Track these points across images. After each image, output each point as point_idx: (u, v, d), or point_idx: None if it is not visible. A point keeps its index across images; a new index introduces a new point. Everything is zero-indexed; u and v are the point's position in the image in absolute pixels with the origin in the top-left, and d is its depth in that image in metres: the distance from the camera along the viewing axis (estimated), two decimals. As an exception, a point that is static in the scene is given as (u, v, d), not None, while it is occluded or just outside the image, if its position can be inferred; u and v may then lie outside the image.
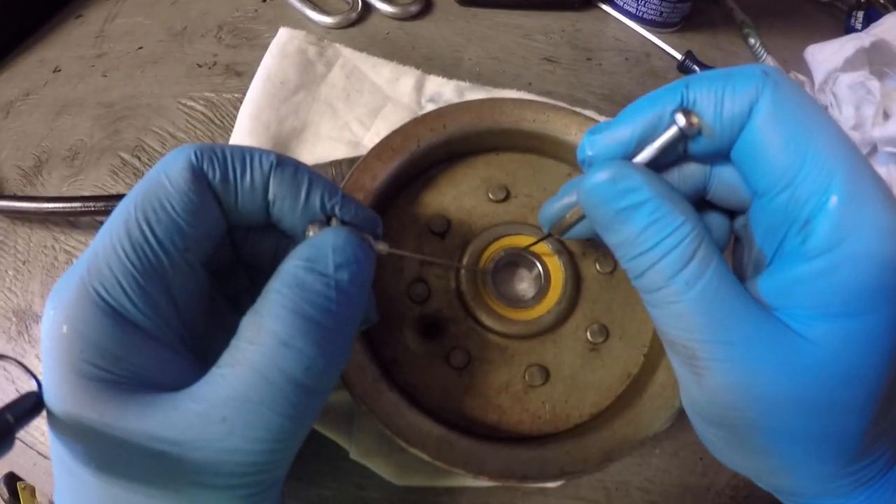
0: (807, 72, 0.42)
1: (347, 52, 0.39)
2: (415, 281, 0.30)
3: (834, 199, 0.18)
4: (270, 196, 0.22)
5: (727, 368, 0.19)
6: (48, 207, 0.37)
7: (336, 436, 0.31)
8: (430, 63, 0.40)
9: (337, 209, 0.22)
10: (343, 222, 0.22)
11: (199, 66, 0.43)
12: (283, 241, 0.24)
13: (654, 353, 0.29)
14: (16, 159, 0.42)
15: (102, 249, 0.19)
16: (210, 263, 0.23)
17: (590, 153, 0.22)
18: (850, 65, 0.40)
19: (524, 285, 0.32)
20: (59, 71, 0.45)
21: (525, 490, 0.32)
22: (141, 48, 0.44)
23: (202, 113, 0.41)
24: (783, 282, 0.20)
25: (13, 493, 0.42)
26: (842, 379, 0.19)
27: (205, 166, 0.21)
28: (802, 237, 0.19)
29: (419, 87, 0.38)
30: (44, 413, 0.19)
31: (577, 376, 0.29)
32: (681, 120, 0.20)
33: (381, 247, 0.23)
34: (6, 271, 0.38)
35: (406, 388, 0.28)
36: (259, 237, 0.24)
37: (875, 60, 0.40)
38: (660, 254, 0.19)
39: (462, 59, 0.41)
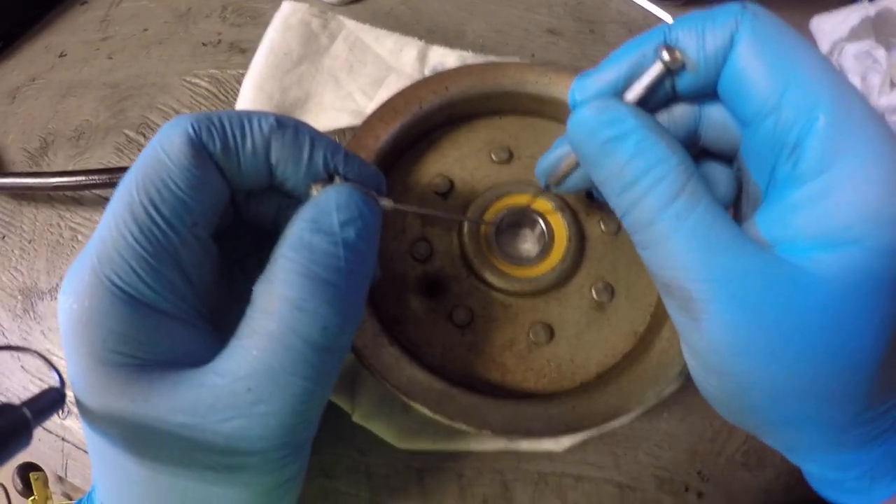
0: (812, 43, 0.42)
1: (351, 24, 0.39)
2: (417, 240, 0.30)
3: (822, 119, 0.18)
4: (273, 159, 0.21)
5: (725, 309, 0.18)
6: (52, 182, 0.37)
7: (338, 399, 0.31)
8: (433, 36, 0.40)
9: (340, 167, 0.22)
10: (346, 179, 0.22)
11: (204, 44, 0.43)
12: (285, 201, 0.24)
13: (661, 313, 0.29)
14: (22, 142, 0.42)
15: (110, 236, 0.19)
16: (215, 231, 0.22)
17: (578, 97, 0.22)
18: (855, 35, 0.39)
19: (528, 245, 0.32)
20: (65, 55, 0.45)
21: (530, 455, 0.32)
22: (146, 30, 0.45)
23: (206, 89, 0.41)
24: (779, 212, 0.19)
25: (26, 484, 0.42)
26: (850, 312, 0.18)
27: (204, 137, 0.20)
28: (793, 161, 0.19)
29: (422, 58, 0.38)
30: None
31: (582, 335, 0.29)
32: (664, 55, 0.20)
33: (386, 202, 0.23)
34: (12, 251, 0.39)
35: (408, 347, 0.28)
36: (261, 199, 0.24)
37: (882, 31, 0.39)
38: (647, 186, 0.19)
39: (465, 32, 0.42)
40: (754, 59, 0.19)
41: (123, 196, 0.19)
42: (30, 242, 0.39)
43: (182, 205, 0.20)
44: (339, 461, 0.31)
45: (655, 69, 0.20)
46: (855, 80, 0.39)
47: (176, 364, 0.19)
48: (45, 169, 0.40)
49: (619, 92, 0.21)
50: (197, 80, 0.42)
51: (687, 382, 0.33)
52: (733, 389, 0.20)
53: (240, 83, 0.40)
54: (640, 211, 0.20)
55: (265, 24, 0.41)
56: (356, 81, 0.37)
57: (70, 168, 0.40)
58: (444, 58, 0.38)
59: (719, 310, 0.19)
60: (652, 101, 0.22)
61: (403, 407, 0.31)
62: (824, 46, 0.40)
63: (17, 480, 0.43)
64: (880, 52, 0.37)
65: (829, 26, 0.40)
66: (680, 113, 0.23)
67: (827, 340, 0.18)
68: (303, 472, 0.22)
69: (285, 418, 0.19)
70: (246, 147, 0.21)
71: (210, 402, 0.18)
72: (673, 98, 0.22)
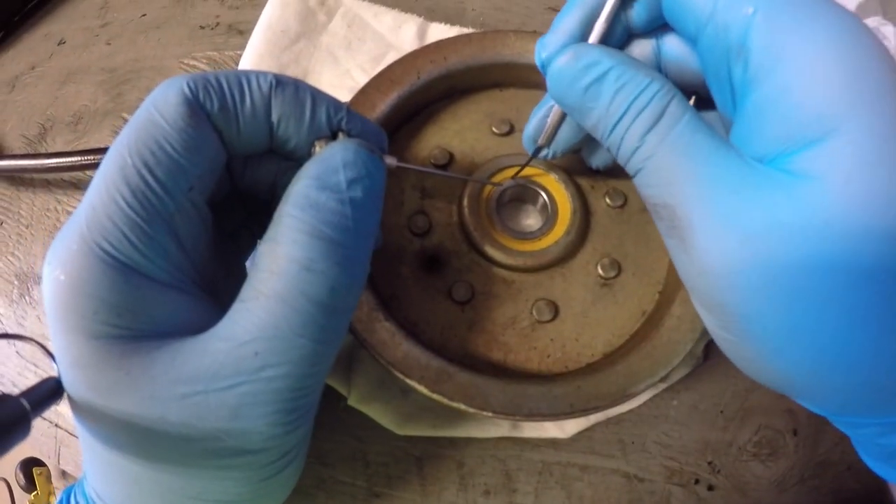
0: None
1: (348, 1, 0.38)
2: (415, 213, 0.29)
3: (757, 12, 0.17)
4: (274, 117, 0.20)
5: (710, 225, 0.17)
6: (49, 164, 0.36)
7: (333, 381, 0.29)
8: (433, 14, 0.40)
9: (344, 123, 0.21)
10: (350, 136, 0.21)
11: (202, 27, 0.43)
12: (283, 165, 0.23)
13: (670, 290, 0.28)
14: (21, 129, 0.42)
15: (100, 201, 0.18)
16: (210, 200, 0.22)
17: (544, 55, 0.22)
18: (862, 11, 0.38)
19: (530, 220, 0.30)
20: (64, 43, 0.45)
21: (534, 442, 0.30)
22: (144, 15, 0.45)
23: (204, 71, 0.41)
24: (747, 123, 0.18)
25: (29, 479, 0.41)
26: (853, 212, 0.15)
27: (201, 97, 0.19)
28: (743, 63, 0.18)
29: (421, 35, 0.37)
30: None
31: (588, 312, 0.28)
32: None
33: (390, 160, 0.22)
34: (9, 236, 0.38)
35: (406, 325, 0.27)
36: (259, 165, 0.23)
37: (890, 7, 0.38)
38: (633, 115, 0.19)
39: (465, 9, 0.41)
40: None
41: (115, 159, 0.18)
42: (27, 227, 0.38)
43: (178, 167, 0.18)
44: (336, 448, 0.30)
45: (610, 3, 0.21)
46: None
47: (174, 335, 0.18)
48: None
49: (580, 36, 0.22)
50: (195, 63, 0.41)
51: (696, 369, 0.32)
52: (734, 327, 0.18)
53: (237, 64, 0.39)
54: (629, 139, 0.19)
55: (263, 6, 0.40)
56: (355, 59, 0.37)
57: (68, 151, 0.40)
58: (444, 34, 0.37)
59: (703, 226, 0.17)
60: (612, 41, 0.22)
61: (402, 391, 0.30)
62: (832, 23, 0.39)
63: (20, 475, 0.43)
64: (889, 29, 0.36)
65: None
66: (639, 49, 0.23)
67: (833, 254, 0.16)
68: (307, 437, 0.21)
69: (295, 381, 0.18)
70: (245, 106, 0.20)
71: (214, 370, 0.17)
72: (631, 35, 0.23)
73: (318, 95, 0.21)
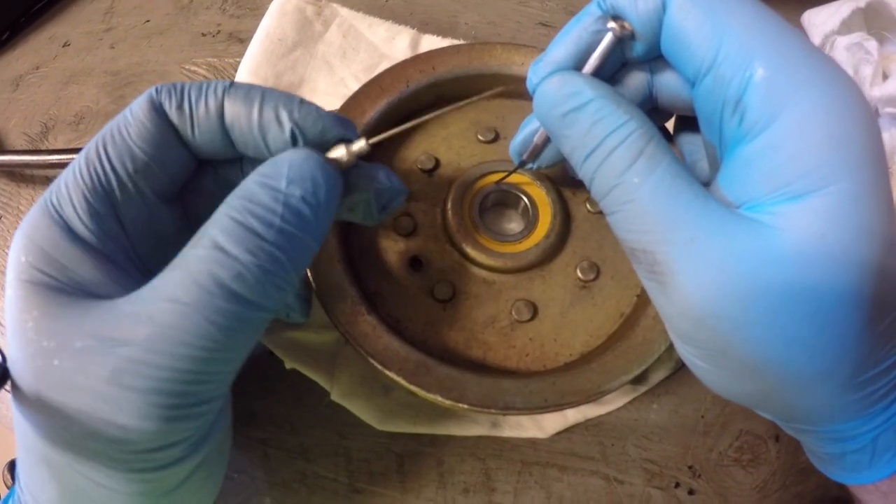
0: (805, 37, 0.42)
1: (344, 12, 0.40)
2: (401, 215, 0.30)
3: (759, 71, 0.18)
4: (227, 119, 0.21)
5: (690, 270, 0.18)
6: (50, 160, 0.37)
7: (317, 375, 0.30)
8: (426, 27, 0.41)
9: (295, 112, 0.21)
10: (304, 137, 0.21)
11: (203, 34, 0.44)
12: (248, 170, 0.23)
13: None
14: (23, 127, 0.43)
15: (67, 171, 0.21)
16: (178, 200, 0.23)
17: (535, 81, 0.23)
18: (846, 27, 0.39)
19: (512, 225, 0.31)
20: (69, 45, 0.46)
21: (514, 442, 0.31)
22: (148, 21, 0.46)
23: (204, 76, 0.42)
24: (735, 170, 0.19)
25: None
26: (822, 261, 0.17)
27: (163, 97, 0.21)
28: (738, 117, 0.19)
29: (414, 46, 0.39)
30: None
31: (566, 313, 0.28)
32: (612, 25, 0.21)
33: (360, 144, 0.21)
34: (8, 231, 0.39)
35: (388, 321, 0.27)
36: (230, 170, 0.24)
37: (873, 23, 0.39)
38: (607, 150, 0.19)
39: (458, 23, 0.42)
40: (686, 18, 0.20)
41: (88, 145, 0.21)
42: (24, 224, 0.39)
43: (128, 151, 0.21)
44: (318, 443, 0.31)
45: (606, 40, 0.21)
46: (847, 72, 0.38)
47: (97, 296, 0.19)
48: (45, 153, 0.41)
49: (572, 67, 0.22)
50: (195, 68, 0.42)
51: (677, 373, 0.33)
52: (709, 358, 0.20)
53: (236, 70, 0.40)
54: (603, 175, 0.20)
55: (263, 15, 0.41)
56: (349, 67, 0.38)
57: (68, 150, 0.41)
58: (436, 46, 0.38)
59: (684, 271, 0.18)
60: (606, 70, 0.22)
61: (384, 387, 0.30)
62: (816, 39, 0.40)
63: (7, 476, 0.43)
64: (872, 44, 0.37)
65: (820, 19, 0.40)
66: (632, 78, 0.23)
67: (801, 298, 0.17)
68: (214, 445, 0.20)
69: (182, 362, 0.17)
70: (199, 107, 0.21)
71: (112, 326, 0.18)
72: (624, 64, 0.23)
73: (268, 93, 0.22)
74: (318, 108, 0.22)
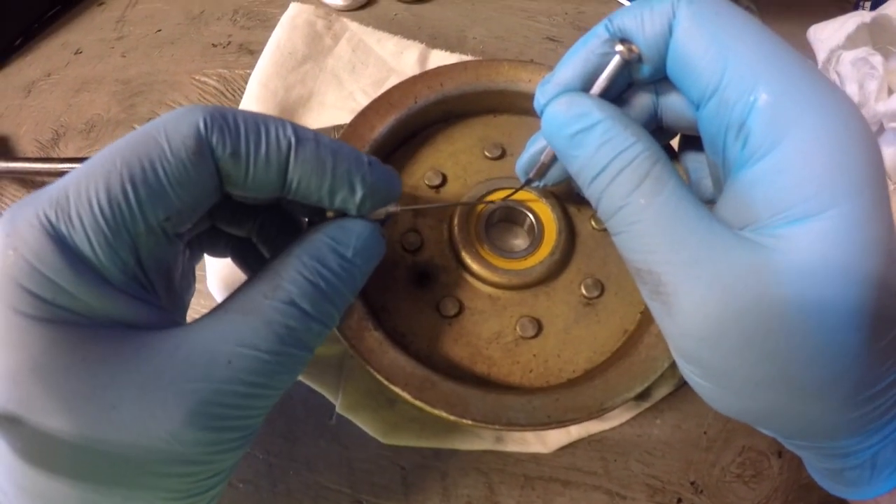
0: (811, 54, 0.42)
1: (354, 26, 0.40)
2: (408, 231, 0.30)
3: (763, 95, 0.18)
4: (290, 177, 0.21)
5: (694, 292, 0.18)
6: (60, 168, 0.37)
7: (323, 388, 0.30)
8: (435, 42, 0.42)
9: (367, 176, 0.22)
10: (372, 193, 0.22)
11: (214, 45, 0.45)
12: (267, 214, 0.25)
13: (652, 312, 0.29)
14: (35, 133, 0.43)
15: (75, 195, 0.17)
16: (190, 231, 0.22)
17: (542, 101, 0.23)
18: (851, 42, 0.39)
19: (518, 241, 0.32)
20: (80, 53, 0.47)
21: (517, 457, 0.31)
22: (159, 31, 0.46)
23: (214, 87, 0.42)
24: (738, 192, 0.19)
25: None
26: (823, 281, 0.17)
27: (214, 138, 0.19)
28: (742, 141, 0.19)
29: (423, 61, 0.39)
30: None
31: (570, 330, 0.29)
32: (620, 48, 0.21)
33: (393, 208, 0.24)
34: (16, 237, 0.39)
35: (394, 336, 0.28)
36: (246, 210, 0.25)
37: (878, 38, 0.39)
38: (614, 172, 0.20)
39: (466, 38, 0.43)
40: (692, 43, 0.20)
41: (104, 162, 0.18)
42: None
43: (161, 195, 0.18)
44: (323, 455, 0.31)
45: (614, 63, 0.21)
46: (852, 87, 0.38)
47: (114, 328, 0.18)
48: (55, 159, 0.41)
49: (579, 88, 0.22)
50: (206, 79, 0.43)
51: (680, 389, 0.33)
52: (711, 377, 0.20)
53: (247, 82, 0.41)
54: (609, 197, 0.20)
55: (274, 27, 0.42)
56: (358, 82, 0.38)
57: (79, 158, 0.41)
58: (444, 60, 0.39)
59: (688, 293, 0.18)
60: (612, 91, 0.23)
61: (389, 401, 0.30)
62: (821, 55, 0.40)
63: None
64: (877, 59, 0.37)
65: (825, 34, 0.40)
66: (638, 99, 0.24)
67: (802, 318, 0.18)
68: (235, 465, 0.21)
69: (252, 400, 0.19)
70: (259, 158, 0.20)
71: (184, 367, 0.18)
72: (630, 84, 0.23)
73: (339, 154, 0.21)
74: (387, 172, 0.23)
